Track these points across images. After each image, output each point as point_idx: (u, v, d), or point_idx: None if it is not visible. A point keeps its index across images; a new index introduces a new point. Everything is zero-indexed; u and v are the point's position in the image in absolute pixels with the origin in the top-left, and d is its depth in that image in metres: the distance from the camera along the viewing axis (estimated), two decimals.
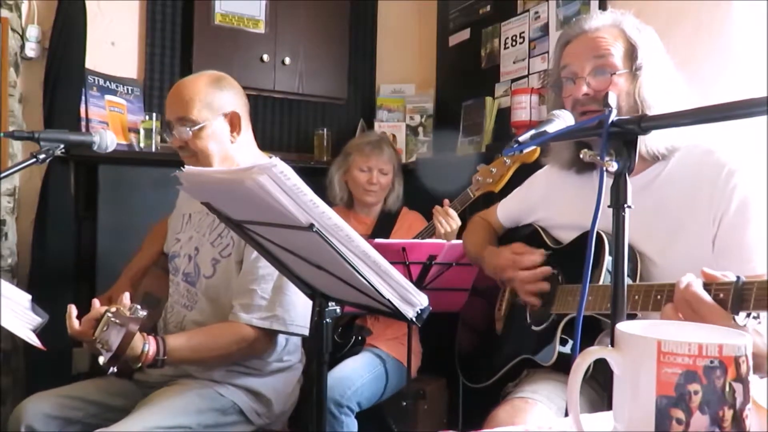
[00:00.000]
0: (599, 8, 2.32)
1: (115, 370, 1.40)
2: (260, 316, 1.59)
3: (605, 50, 1.35)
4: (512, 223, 1.74)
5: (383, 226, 2.53)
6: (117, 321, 1.37)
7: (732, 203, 1.24)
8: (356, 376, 2.12)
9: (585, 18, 1.43)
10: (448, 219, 2.13)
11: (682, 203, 1.30)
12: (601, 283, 1.30)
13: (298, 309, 1.60)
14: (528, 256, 1.48)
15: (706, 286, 1.01)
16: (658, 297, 1.10)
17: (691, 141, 1.34)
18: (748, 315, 0.98)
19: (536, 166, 1.72)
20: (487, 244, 1.70)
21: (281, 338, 1.73)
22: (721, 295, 0.98)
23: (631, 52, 1.35)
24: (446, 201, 2.18)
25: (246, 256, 1.62)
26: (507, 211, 1.75)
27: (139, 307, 1.40)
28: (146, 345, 1.46)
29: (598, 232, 1.30)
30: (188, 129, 1.66)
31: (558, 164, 1.54)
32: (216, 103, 1.68)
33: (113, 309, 1.39)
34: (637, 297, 1.14)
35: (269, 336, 1.64)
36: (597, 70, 1.35)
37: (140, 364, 1.46)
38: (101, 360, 1.39)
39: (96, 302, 1.47)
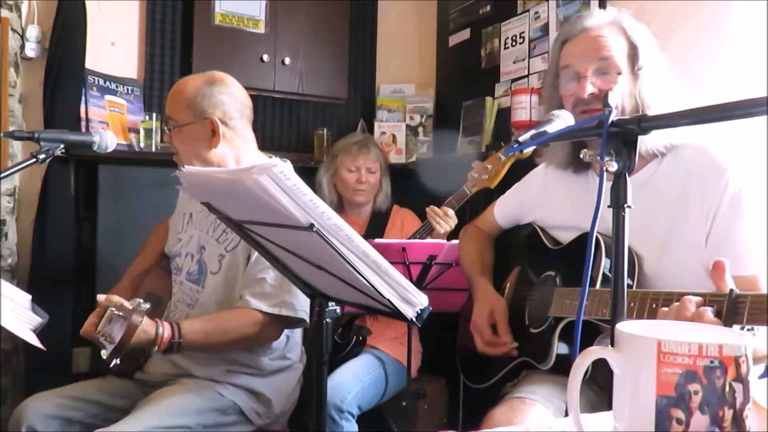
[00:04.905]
0: (599, 8, 2.31)
1: (118, 362, 1.40)
2: (270, 302, 1.60)
3: (608, 49, 1.35)
4: (510, 223, 1.73)
5: (376, 225, 2.54)
6: (120, 314, 1.38)
7: (724, 200, 1.24)
8: (356, 380, 2.12)
9: (584, 16, 1.42)
10: (447, 219, 2.13)
11: (675, 201, 1.30)
12: (598, 285, 1.30)
13: (305, 296, 1.61)
14: (500, 341, 1.49)
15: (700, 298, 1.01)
16: (653, 305, 1.10)
17: (688, 138, 1.34)
18: (742, 328, 0.97)
19: (531, 161, 1.71)
20: (480, 266, 1.69)
21: (283, 335, 1.73)
22: (715, 308, 0.98)
23: (633, 52, 1.35)
24: (449, 198, 2.17)
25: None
26: (504, 211, 1.75)
27: (141, 300, 1.42)
28: (160, 327, 1.47)
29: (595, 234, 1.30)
30: (168, 127, 1.72)
31: (554, 164, 1.54)
32: (200, 106, 1.68)
33: (116, 304, 1.40)
34: (632, 304, 1.14)
35: (279, 323, 1.65)
36: (601, 70, 1.35)
37: (156, 348, 1.47)
38: (104, 353, 1.39)
39: (100, 297, 1.47)
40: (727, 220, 1.24)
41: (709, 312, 0.97)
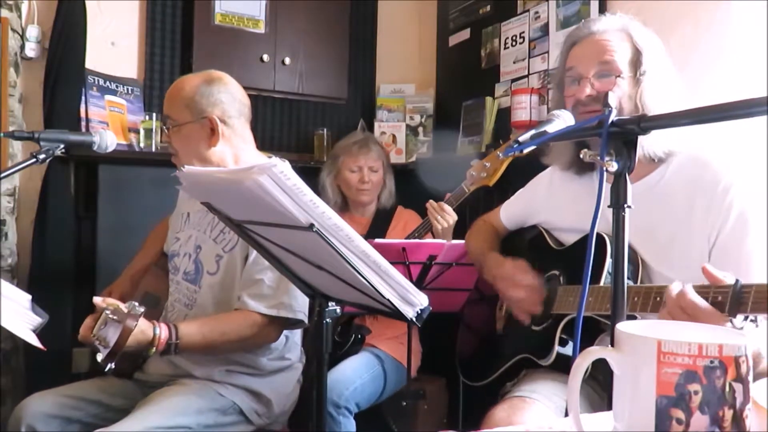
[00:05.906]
0: (599, 9, 2.32)
1: (113, 366, 1.40)
2: (268, 304, 1.60)
3: (611, 53, 1.36)
4: (515, 225, 1.74)
5: (379, 225, 2.54)
6: (114, 318, 1.38)
7: (729, 218, 1.25)
8: (354, 377, 2.12)
9: (593, 20, 1.44)
10: (444, 215, 2.13)
11: (680, 212, 1.31)
12: (602, 283, 1.30)
13: (304, 297, 1.61)
14: (526, 277, 1.48)
15: (705, 289, 1.01)
16: (657, 299, 1.11)
17: (688, 146, 1.34)
18: (746, 318, 0.98)
19: (529, 159, 1.71)
20: (489, 247, 1.69)
21: (282, 336, 1.73)
22: (720, 298, 0.99)
23: (637, 57, 1.36)
24: (447, 195, 2.18)
25: (252, 249, 1.63)
26: (510, 213, 1.76)
27: (137, 304, 1.41)
28: (157, 329, 1.47)
29: (600, 235, 1.31)
30: (167, 127, 1.72)
31: (558, 166, 1.55)
32: (199, 105, 1.67)
33: (111, 307, 1.40)
34: (636, 298, 1.14)
35: (277, 324, 1.65)
36: (602, 72, 1.36)
37: (154, 349, 1.47)
38: (99, 357, 1.39)
39: (97, 299, 1.47)
40: (731, 237, 1.25)
41: (703, 300, 0.99)
